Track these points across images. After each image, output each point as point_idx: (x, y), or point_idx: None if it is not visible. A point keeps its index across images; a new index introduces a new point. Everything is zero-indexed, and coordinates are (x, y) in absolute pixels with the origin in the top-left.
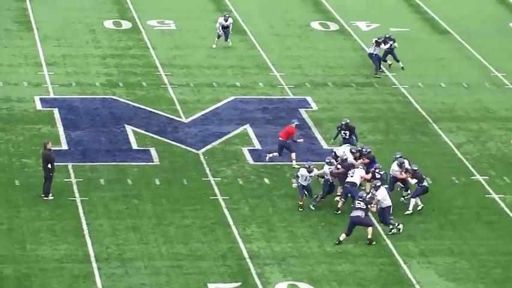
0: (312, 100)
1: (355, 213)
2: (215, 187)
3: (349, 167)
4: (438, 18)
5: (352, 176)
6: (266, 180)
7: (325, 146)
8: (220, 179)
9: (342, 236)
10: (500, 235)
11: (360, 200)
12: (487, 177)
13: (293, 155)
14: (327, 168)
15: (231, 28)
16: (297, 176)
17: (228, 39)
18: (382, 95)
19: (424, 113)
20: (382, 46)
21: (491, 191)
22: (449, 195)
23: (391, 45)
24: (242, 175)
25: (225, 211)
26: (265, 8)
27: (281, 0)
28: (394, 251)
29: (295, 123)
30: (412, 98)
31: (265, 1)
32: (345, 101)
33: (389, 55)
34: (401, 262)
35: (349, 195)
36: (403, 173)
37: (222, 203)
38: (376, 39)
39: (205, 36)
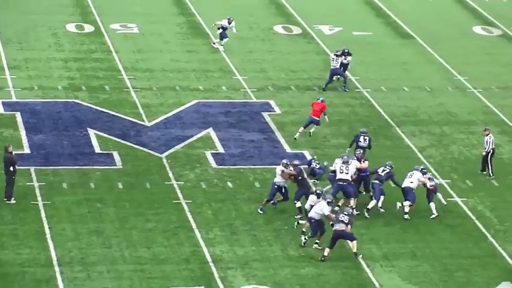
0: (275, 104)
1: (338, 226)
2: (178, 191)
3: (300, 171)
4: (401, 22)
5: (347, 173)
6: (229, 184)
7: (288, 149)
8: (183, 182)
9: (326, 251)
10: (462, 238)
11: (345, 214)
12: (449, 181)
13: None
14: (279, 170)
15: (230, 29)
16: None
17: (223, 41)
18: (345, 99)
19: (387, 117)
20: (341, 59)
21: (453, 194)
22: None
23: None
24: (205, 179)
25: (188, 215)
26: (228, 12)
27: (244, 3)
28: None
29: (321, 99)
30: (375, 101)
31: (228, 5)
32: (307, 105)
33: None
34: (365, 266)
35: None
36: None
37: (185, 207)
38: (335, 52)
39: (169, 40)
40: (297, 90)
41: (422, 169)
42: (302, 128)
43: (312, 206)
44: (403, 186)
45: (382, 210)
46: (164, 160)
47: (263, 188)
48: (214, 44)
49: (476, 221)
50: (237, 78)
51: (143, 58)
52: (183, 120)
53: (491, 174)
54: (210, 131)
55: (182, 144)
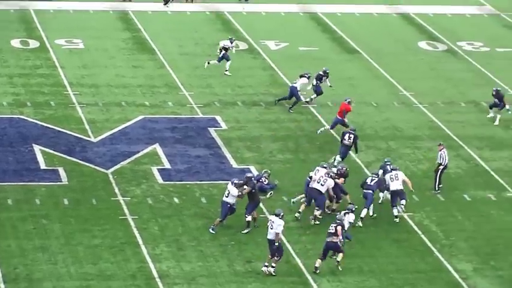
0: (221, 119)
1: (330, 238)
2: (124, 207)
3: (253, 185)
4: (347, 37)
5: (322, 185)
6: (175, 200)
7: (234, 165)
8: (129, 198)
9: (318, 263)
10: (409, 253)
11: (332, 224)
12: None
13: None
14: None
15: (231, 49)
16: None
17: (227, 64)
18: (291, 114)
19: (333, 132)
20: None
21: (400, 209)
22: (358, 214)
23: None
24: (151, 194)
25: (135, 231)
26: (174, 27)
27: (190, 19)
28: (304, 270)
29: (348, 99)
30: (321, 117)
31: (174, 20)
32: (254, 120)
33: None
34: (312, 281)
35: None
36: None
37: (132, 223)
38: (301, 73)
39: (114, 56)
40: (243, 105)
41: (387, 164)
42: (327, 127)
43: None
44: (393, 189)
45: (374, 215)
46: (110, 176)
47: (209, 203)
48: (208, 63)
49: (423, 236)
50: (183, 94)
51: (89, 74)
52: (129, 136)
53: (437, 189)
54: (156, 147)
55: (128, 160)
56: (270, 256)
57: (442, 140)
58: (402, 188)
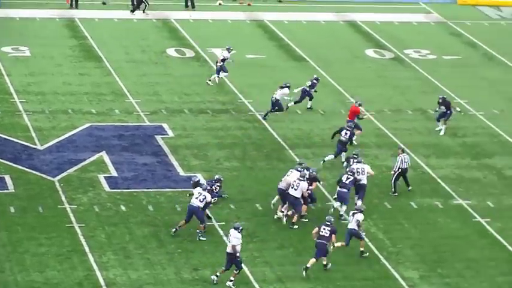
0: (168, 127)
1: (321, 240)
2: (71, 214)
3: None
4: (294, 45)
5: (296, 190)
6: (122, 208)
7: (181, 172)
8: (76, 206)
9: (310, 262)
10: (355, 261)
11: (326, 226)
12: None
13: (358, 132)
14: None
15: (228, 59)
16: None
17: (220, 74)
18: (239, 122)
19: (280, 140)
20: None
21: (347, 216)
22: (306, 222)
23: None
24: (98, 202)
25: (81, 238)
26: (121, 35)
27: (137, 27)
28: (251, 277)
29: (359, 102)
30: (268, 124)
31: (120, 28)
32: (201, 128)
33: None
34: None
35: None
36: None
37: (78, 231)
38: (281, 85)
39: (61, 63)
40: (190, 113)
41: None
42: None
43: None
44: (361, 183)
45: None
46: (57, 184)
47: (156, 211)
48: (209, 81)
49: (370, 243)
50: (130, 102)
51: (35, 81)
52: (76, 144)
53: (394, 192)
54: (103, 155)
55: (75, 168)
56: (224, 269)
57: (388, 148)
58: (366, 182)
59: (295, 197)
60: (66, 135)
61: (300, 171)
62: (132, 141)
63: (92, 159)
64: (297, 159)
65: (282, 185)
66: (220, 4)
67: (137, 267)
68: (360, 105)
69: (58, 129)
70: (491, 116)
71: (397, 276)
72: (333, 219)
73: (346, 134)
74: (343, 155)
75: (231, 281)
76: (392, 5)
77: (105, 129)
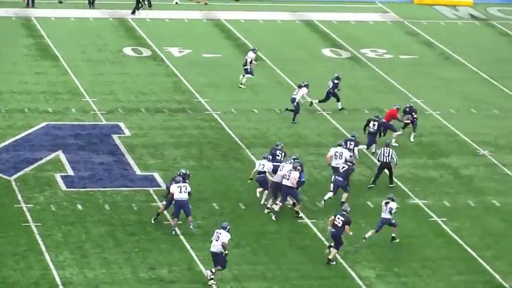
0: (124, 126)
1: (336, 229)
2: (27, 214)
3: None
4: (251, 44)
5: (288, 179)
6: (79, 207)
7: (138, 171)
8: (32, 205)
9: (329, 250)
10: (312, 260)
11: (340, 216)
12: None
13: (395, 134)
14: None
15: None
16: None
17: (245, 77)
18: (195, 121)
19: (237, 139)
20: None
21: (304, 216)
22: (262, 221)
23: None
24: (55, 201)
25: (38, 238)
26: (77, 34)
27: (93, 25)
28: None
29: (397, 106)
30: (224, 123)
31: (77, 27)
32: (158, 127)
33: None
34: None
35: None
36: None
37: (35, 230)
38: (299, 83)
39: (17, 62)
40: (146, 112)
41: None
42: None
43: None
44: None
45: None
46: (13, 183)
47: (113, 210)
48: (241, 85)
49: (326, 243)
50: (87, 101)
51: None
52: (32, 143)
53: (371, 183)
54: (60, 154)
55: (31, 167)
56: (215, 267)
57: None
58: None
59: (290, 187)
60: (23, 134)
61: (291, 163)
62: (89, 140)
63: (48, 158)
64: (254, 159)
65: (276, 178)
66: (176, 3)
67: (94, 266)
68: (397, 109)
69: (14, 128)
70: (448, 116)
71: (353, 275)
72: (349, 209)
73: (374, 125)
74: (374, 146)
75: (211, 278)
76: (349, 4)
77: (62, 128)
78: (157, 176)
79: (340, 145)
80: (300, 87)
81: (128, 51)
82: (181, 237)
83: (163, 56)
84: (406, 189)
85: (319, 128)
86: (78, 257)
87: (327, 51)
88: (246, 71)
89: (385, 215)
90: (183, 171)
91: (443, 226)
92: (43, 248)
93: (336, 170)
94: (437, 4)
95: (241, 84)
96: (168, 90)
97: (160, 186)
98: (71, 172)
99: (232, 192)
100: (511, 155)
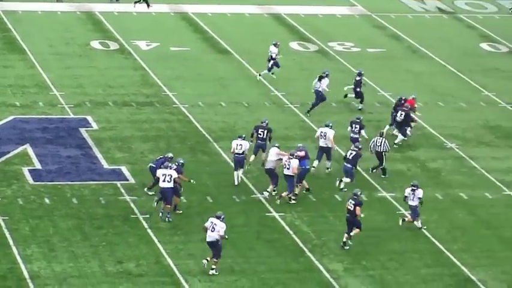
0: (92, 119)
1: (349, 214)
2: None
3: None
4: (218, 37)
5: (288, 169)
6: (46, 200)
7: (105, 165)
8: (0, 199)
9: (345, 237)
10: (280, 253)
11: (351, 200)
12: (267, 196)
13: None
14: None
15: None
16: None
17: (274, 69)
18: (163, 115)
19: (204, 132)
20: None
21: (271, 209)
22: (230, 214)
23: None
24: (22, 195)
25: (5, 231)
26: (45, 27)
27: (60, 19)
28: (175, 270)
29: (414, 96)
30: (192, 117)
31: (44, 20)
32: (125, 120)
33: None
34: (183, 281)
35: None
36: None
37: (2, 223)
38: (320, 75)
39: None
40: (114, 105)
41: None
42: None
43: None
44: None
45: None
46: None
47: (80, 204)
48: (260, 75)
49: (294, 236)
50: (54, 94)
51: None
52: (0, 136)
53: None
54: (27, 147)
55: None
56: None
57: (312, 141)
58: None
59: (290, 175)
60: None
61: (277, 147)
62: (56, 133)
63: (15, 151)
64: (222, 152)
65: (269, 165)
66: None
67: (61, 260)
68: (414, 98)
69: None
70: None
71: (321, 268)
72: (359, 192)
73: (401, 114)
74: (400, 137)
75: (212, 269)
76: None
77: (29, 122)
78: (124, 169)
79: (327, 125)
80: (321, 78)
81: (95, 44)
82: (149, 230)
83: (131, 50)
84: (373, 183)
85: (287, 121)
86: (45, 251)
87: (294, 45)
88: (275, 65)
89: (413, 202)
90: (170, 155)
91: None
92: (10, 242)
93: (322, 149)
94: None
95: (273, 74)
96: (136, 84)
97: (127, 179)
98: (38, 166)
99: (199, 185)
100: (478, 148)
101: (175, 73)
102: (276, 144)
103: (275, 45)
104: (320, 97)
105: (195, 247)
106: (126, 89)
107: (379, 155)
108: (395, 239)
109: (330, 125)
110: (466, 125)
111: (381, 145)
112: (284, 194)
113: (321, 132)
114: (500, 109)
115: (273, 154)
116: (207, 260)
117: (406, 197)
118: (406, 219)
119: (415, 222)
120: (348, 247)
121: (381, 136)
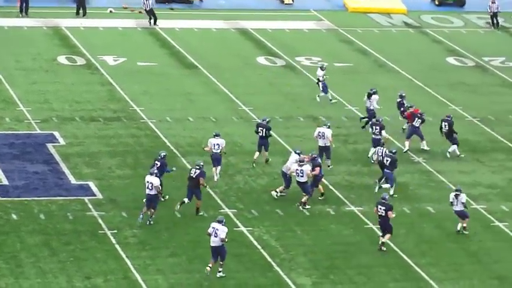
0: (59, 135)
1: (381, 219)
2: None
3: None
4: (185, 52)
5: (302, 176)
6: (13, 216)
7: (73, 180)
8: None
9: (381, 239)
10: (248, 268)
11: (382, 206)
12: (235, 211)
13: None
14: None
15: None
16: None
17: (326, 94)
18: (130, 130)
19: (172, 147)
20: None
21: (239, 224)
22: (198, 229)
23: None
24: None
25: None
26: (11, 43)
27: (27, 34)
28: (144, 285)
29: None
30: (160, 132)
31: (10, 35)
32: (93, 136)
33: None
34: None
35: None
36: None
37: None
38: (369, 92)
39: None
40: (81, 121)
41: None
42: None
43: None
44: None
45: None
46: None
47: (48, 219)
48: (318, 96)
49: (262, 250)
50: (21, 110)
51: None
52: None
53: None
54: None
55: None
56: (213, 261)
57: (280, 155)
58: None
59: (303, 182)
60: None
61: (298, 154)
62: (23, 149)
63: None
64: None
65: (284, 168)
66: (111, 12)
67: (29, 275)
68: (412, 106)
69: None
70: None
71: (289, 283)
72: (387, 197)
73: (445, 126)
74: (452, 146)
75: (219, 271)
76: (284, 12)
77: None
78: (92, 185)
79: (325, 125)
80: (369, 95)
81: (62, 59)
82: (117, 246)
83: (98, 65)
84: (341, 196)
85: (254, 136)
86: (13, 267)
87: (261, 59)
88: (323, 90)
89: (458, 207)
90: (163, 153)
91: (379, 233)
92: None
93: (321, 149)
94: (372, 12)
95: (331, 99)
96: (103, 99)
97: (95, 195)
98: (5, 181)
99: (168, 200)
100: (445, 162)
101: (142, 88)
102: (298, 151)
103: (321, 68)
104: (371, 115)
105: (163, 262)
106: (93, 105)
107: (380, 165)
108: (364, 253)
109: (328, 124)
110: (433, 139)
111: (381, 155)
112: (304, 199)
113: (319, 132)
114: (467, 123)
115: (291, 160)
116: (209, 266)
117: (451, 202)
118: (459, 226)
119: (459, 224)
120: (385, 248)
121: (381, 146)
